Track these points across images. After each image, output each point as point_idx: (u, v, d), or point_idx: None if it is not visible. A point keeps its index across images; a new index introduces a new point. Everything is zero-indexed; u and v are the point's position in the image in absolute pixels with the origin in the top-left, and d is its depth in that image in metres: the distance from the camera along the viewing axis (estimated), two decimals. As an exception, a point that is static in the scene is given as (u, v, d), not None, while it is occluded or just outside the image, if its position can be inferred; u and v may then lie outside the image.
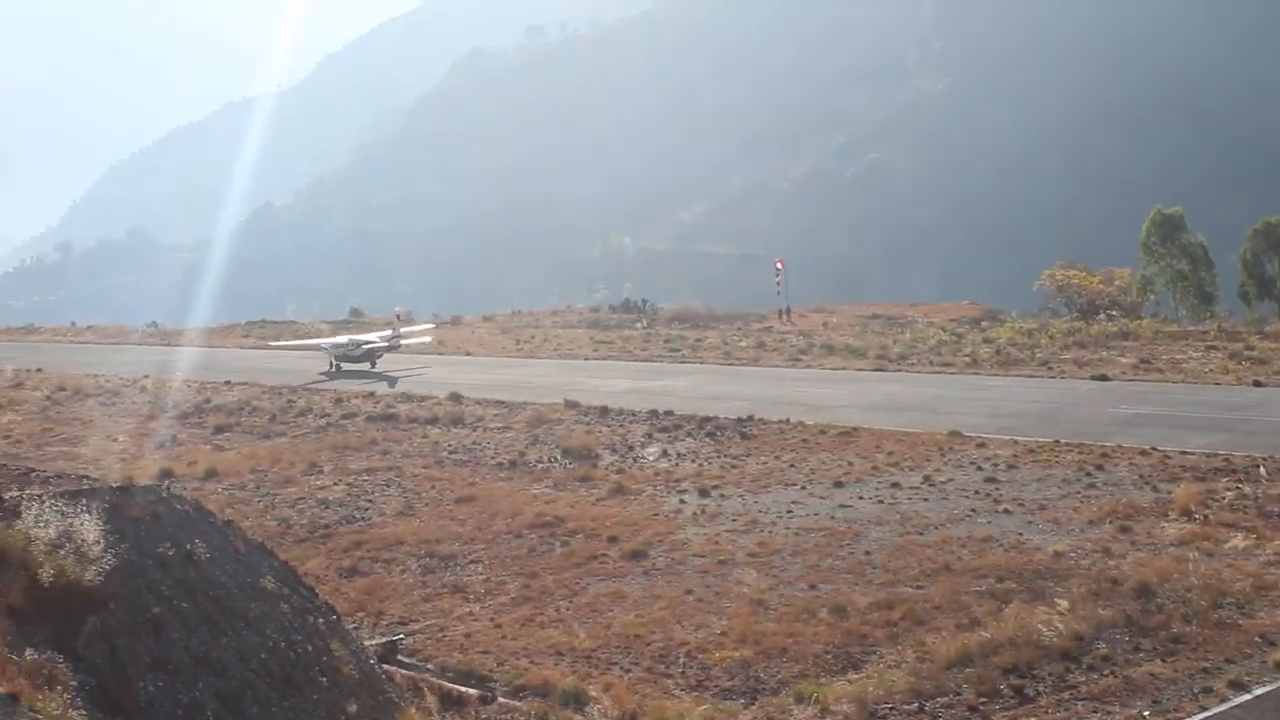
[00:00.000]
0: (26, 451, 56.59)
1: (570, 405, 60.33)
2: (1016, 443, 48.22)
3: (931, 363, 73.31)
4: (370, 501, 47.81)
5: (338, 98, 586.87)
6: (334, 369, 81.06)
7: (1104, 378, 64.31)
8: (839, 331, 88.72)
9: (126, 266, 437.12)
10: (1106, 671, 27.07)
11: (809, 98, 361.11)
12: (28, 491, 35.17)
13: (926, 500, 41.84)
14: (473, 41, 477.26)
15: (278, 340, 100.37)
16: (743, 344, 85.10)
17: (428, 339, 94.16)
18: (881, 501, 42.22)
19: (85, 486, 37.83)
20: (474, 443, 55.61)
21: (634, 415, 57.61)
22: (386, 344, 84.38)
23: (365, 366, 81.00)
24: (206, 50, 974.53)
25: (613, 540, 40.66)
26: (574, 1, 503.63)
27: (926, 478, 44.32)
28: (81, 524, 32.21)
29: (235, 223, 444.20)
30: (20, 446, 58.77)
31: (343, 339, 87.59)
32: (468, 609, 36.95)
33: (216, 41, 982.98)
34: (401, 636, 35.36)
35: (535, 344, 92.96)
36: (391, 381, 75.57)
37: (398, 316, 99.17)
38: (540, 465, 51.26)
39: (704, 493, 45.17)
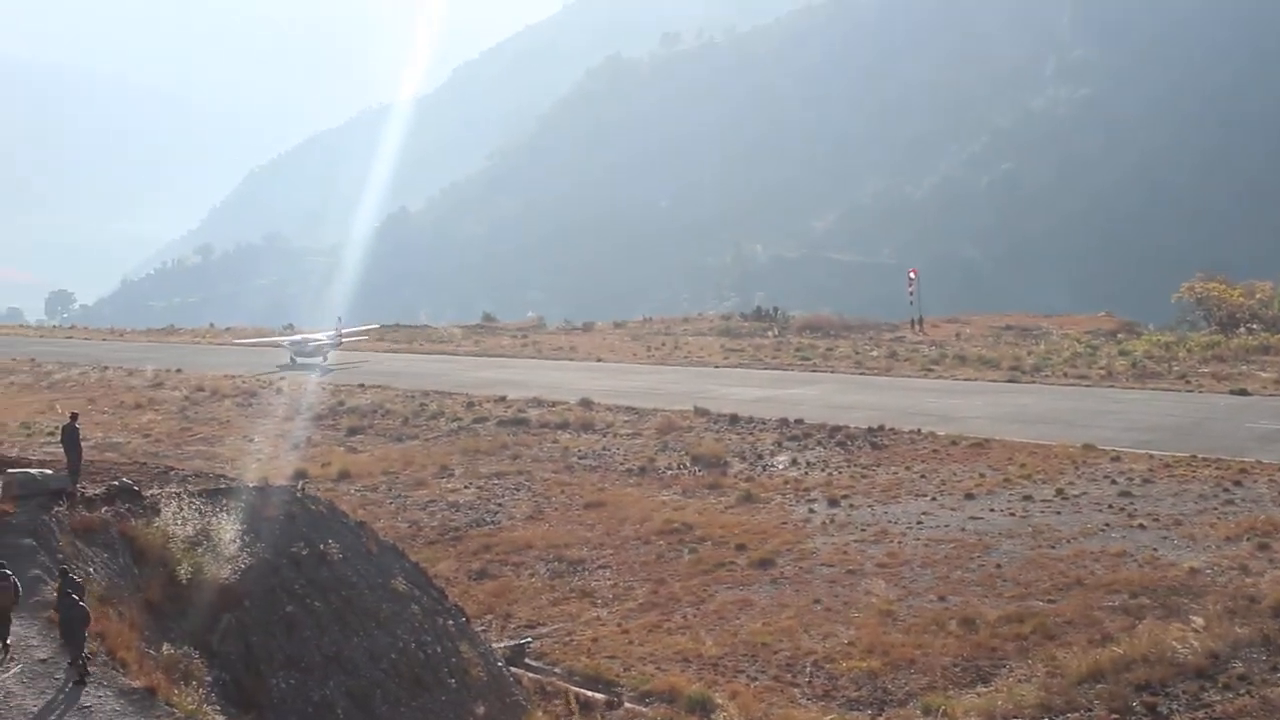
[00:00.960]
0: (166, 450, 57.67)
1: (700, 413, 60.21)
2: (1152, 457, 47.30)
3: (1066, 375, 72.02)
4: (500, 505, 48.19)
5: (473, 104, 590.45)
6: (291, 363, 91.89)
7: (1244, 392, 62.82)
8: (972, 342, 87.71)
9: (264, 270, 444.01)
10: (1243, 691, 26.60)
11: (944, 106, 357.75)
12: (167, 490, 35.89)
13: (1059, 514, 41.29)
14: (608, 49, 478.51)
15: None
16: (874, 353, 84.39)
17: (365, 338, 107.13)
18: (1013, 514, 41.75)
19: (222, 486, 38.58)
20: (604, 448, 55.78)
21: (764, 423, 57.29)
22: (331, 342, 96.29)
23: (317, 360, 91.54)
24: (345, 59, 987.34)
25: (741, 548, 40.66)
26: (710, 9, 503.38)
27: (1059, 491, 43.70)
28: (219, 522, 32.86)
29: (371, 228, 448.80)
30: (160, 445, 59.89)
31: (297, 337, 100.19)
32: (595, 614, 37.16)
33: (354, 50, 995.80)
34: (529, 640, 35.64)
35: (666, 351, 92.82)
36: (324, 371, 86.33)
37: (339, 319, 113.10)
38: (669, 472, 51.32)
39: (833, 502, 45.00)
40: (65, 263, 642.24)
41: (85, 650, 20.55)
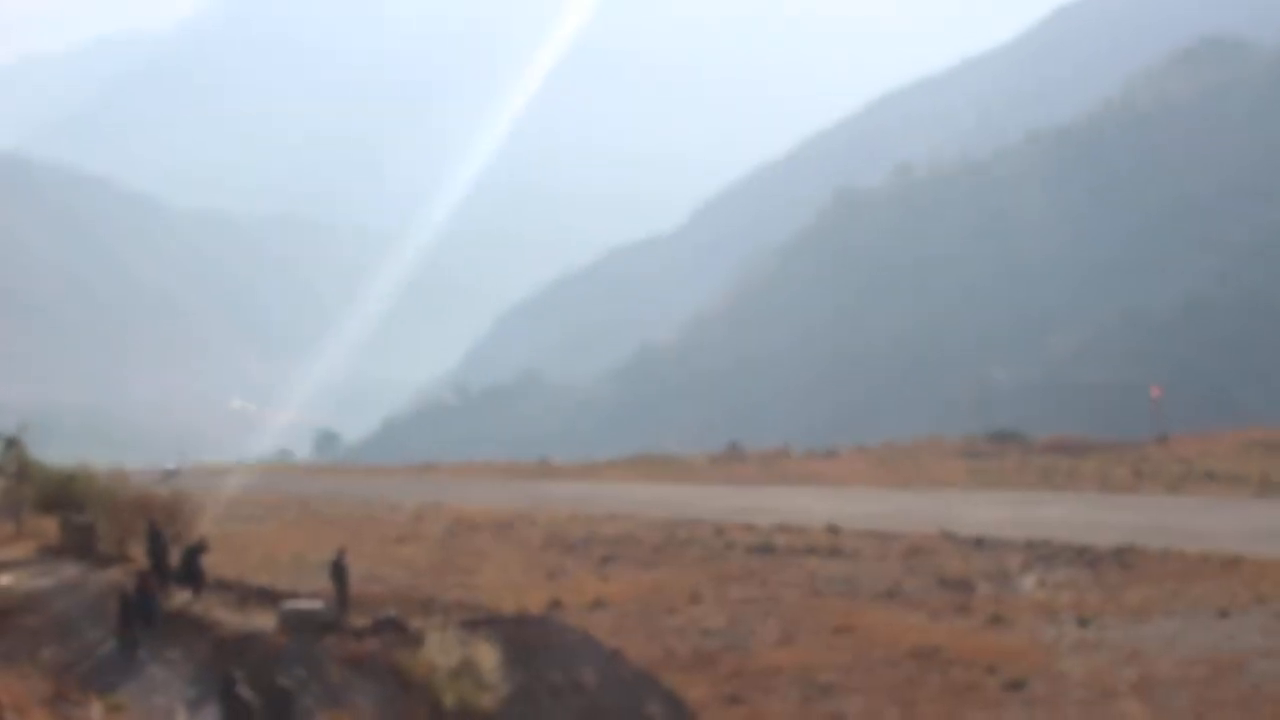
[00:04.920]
0: (427, 582, 59.60)
1: (945, 535, 60.28)
2: None
3: (1321, 490, 70.36)
4: (750, 630, 48.87)
5: (713, 241, 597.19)
6: (163, 480, 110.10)
7: None
8: (1219, 458, 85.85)
9: (518, 406, 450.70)
10: None
11: (1183, 221, 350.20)
12: (430, 621, 37.82)
13: (1318, 631, 40.71)
14: (843, 181, 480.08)
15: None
16: (1119, 472, 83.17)
17: (189, 467, 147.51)
18: (1269, 632, 41.22)
19: (482, 616, 40.35)
20: (851, 572, 56.16)
21: (1010, 545, 57.10)
22: (177, 469, 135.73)
23: (175, 479, 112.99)
24: (589, 206, 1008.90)
25: (990, 670, 40.73)
26: (943, 138, 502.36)
27: (1318, 608, 43.06)
28: (479, 652, 34.57)
29: (617, 363, 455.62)
30: (422, 577, 61.85)
31: (164, 466, 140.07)
32: (847, 736, 37.63)
33: (595, 198, 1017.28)
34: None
35: (909, 475, 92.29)
36: (179, 483, 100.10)
37: (182, 454, 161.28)
38: (917, 595, 51.52)
39: (1083, 623, 44.77)
40: (331, 405, 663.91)
41: None
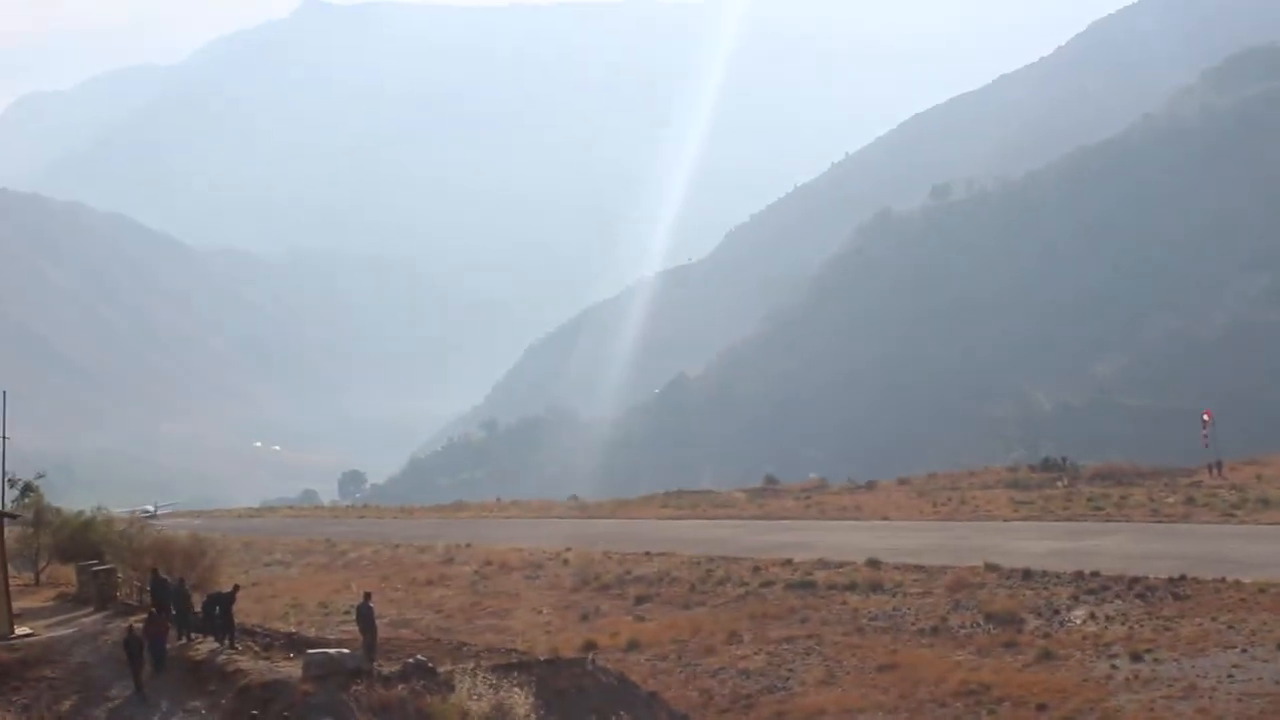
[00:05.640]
0: (458, 625, 58.62)
1: (991, 568, 58.63)
2: None
3: (1381, 516, 68.49)
4: (791, 670, 47.63)
5: (746, 267, 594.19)
6: (145, 519, 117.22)
7: None
8: (1275, 485, 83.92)
9: (547, 441, 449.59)
10: None
11: (1231, 238, 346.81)
12: (460, 666, 36.66)
13: (1384, 663, 39.15)
14: (878, 204, 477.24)
15: None
16: (1170, 500, 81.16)
17: (164, 509, 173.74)
18: (1334, 665, 39.72)
19: (514, 660, 39.21)
20: (894, 609, 54.80)
21: (1058, 577, 55.49)
22: (156, 511, 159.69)
23: (155, 520, 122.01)
24: (615, 235, 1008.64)
25: (1041, 708, 39.51)
26: (979, 159, 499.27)
27: (1382, 638, 41.43)
28: (512, 697, 33.38)
29: (649, 395, 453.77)
30: (452, 620, 60.90)
31: (148, 507, 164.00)
32: (893, 781, 36.34)
33: (624, 225, 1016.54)
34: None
35: (952, 506, 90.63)
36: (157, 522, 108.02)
37: (156, 502, 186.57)
38: (963, 631, 50.17)
39: (1136, 657, 43.39)
40: (356, 444, 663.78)
41: None
